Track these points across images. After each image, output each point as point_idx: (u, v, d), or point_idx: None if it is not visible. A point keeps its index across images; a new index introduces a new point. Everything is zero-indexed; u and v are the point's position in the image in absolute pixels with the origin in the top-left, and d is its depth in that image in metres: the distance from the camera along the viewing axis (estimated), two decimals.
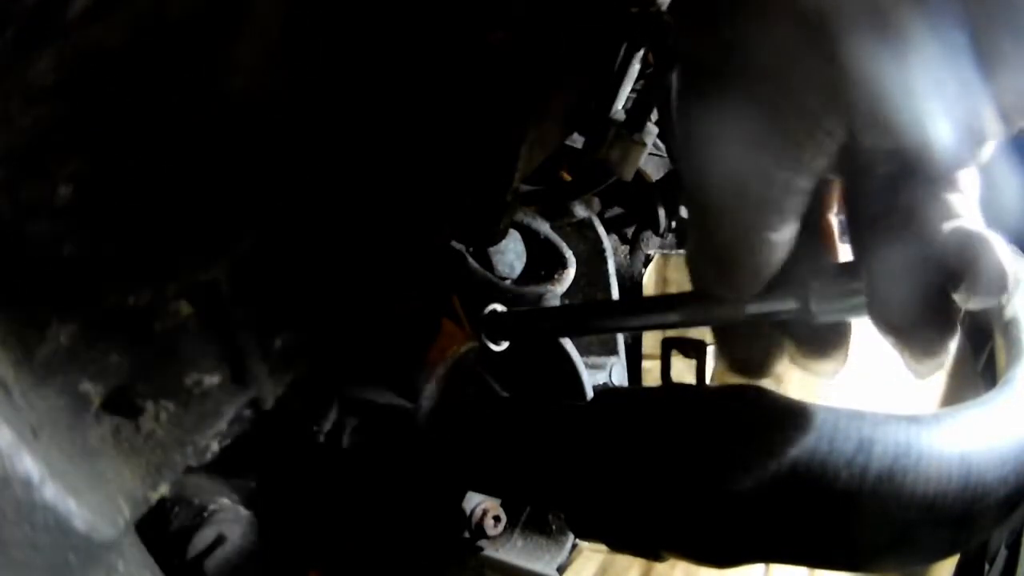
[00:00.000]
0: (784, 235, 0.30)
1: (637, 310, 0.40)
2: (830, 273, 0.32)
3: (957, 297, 0.28)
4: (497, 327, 0.48)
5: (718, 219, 0.31)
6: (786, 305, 0.33)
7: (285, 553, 0.49)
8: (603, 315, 0.42)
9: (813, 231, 0.34)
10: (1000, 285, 0.27)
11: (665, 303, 0.38)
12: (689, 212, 0.35)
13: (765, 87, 0.27)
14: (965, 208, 0.29)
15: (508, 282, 0.67)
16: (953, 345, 0.30)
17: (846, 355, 0.35)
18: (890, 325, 0.30)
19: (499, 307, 0.48)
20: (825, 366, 0.35)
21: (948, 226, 0.29)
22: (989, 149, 0.29)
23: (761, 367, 0.37)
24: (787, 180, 0.29)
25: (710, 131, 0.29)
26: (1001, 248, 0.27)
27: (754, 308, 0.33)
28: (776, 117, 0.27)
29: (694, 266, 0.35)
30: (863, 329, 0.32)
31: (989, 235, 0.28)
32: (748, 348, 0.37)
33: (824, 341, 0.35)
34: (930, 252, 0.29)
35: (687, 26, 0.31)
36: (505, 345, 0.49)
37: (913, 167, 0.29)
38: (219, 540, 0.46)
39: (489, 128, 0.45)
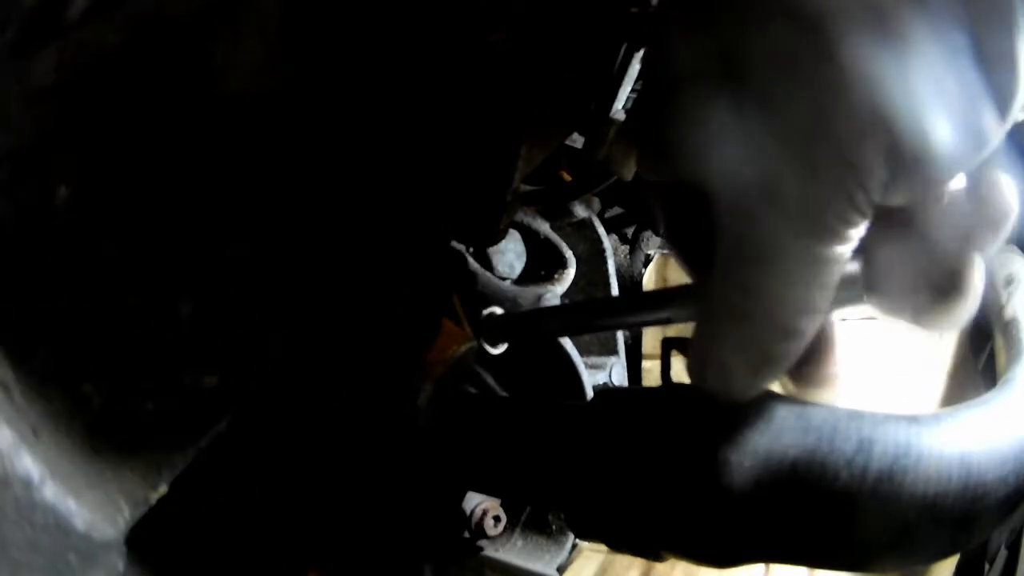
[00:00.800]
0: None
1: (633, 307, 0.40)
2: None
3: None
4: (495, 329, 0.48)
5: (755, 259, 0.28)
6: None
7: (284, 553, 0.49)
8: (600, 313, 0.42)
9: None
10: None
11: (660, 298, 0.38)
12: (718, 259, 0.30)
13: (765, 91, 0.27)
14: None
15: (508, 282, 0.67)
16: (971, 307, 0.29)
17: (835, 371, 0.34)
18: (906, 314, 0.30)
19: (497, 309, 0.49)
20: (814, 386, 0.34)
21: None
22: (989, 151, 0.29)
23: None
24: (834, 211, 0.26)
25: (711, 136, 0.29)
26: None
27: None
28: (778, 122, 0.27)
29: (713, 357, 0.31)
30: (862, 329, 0.32)
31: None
32: None
33: (810, 359, 0.33)
34: (932, 251, 0.29)
35: (682, 27, 0.31)
36: (503, 348, 0.49)
37: (912, 168, 0.29)
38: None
39: (489, 128, 0.45)
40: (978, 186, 0.28)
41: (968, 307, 0.29)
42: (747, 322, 0.29)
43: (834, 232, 0.27)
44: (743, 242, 0.29)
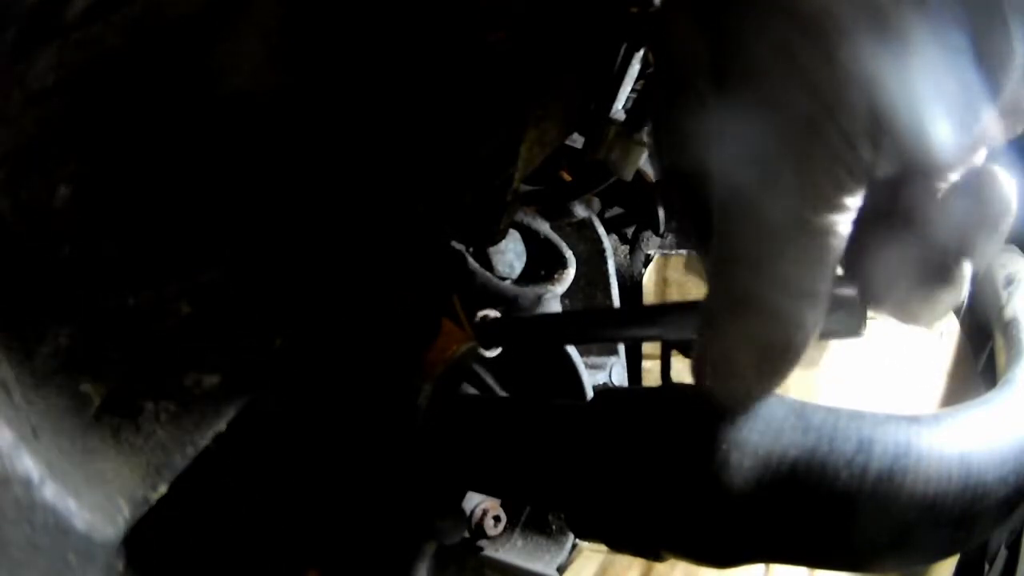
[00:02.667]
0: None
1: (630, 321, 0.40)
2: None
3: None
4: (489, 333, 0.48)
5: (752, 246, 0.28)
6: None
7: (284, 553, 0.49)
8: (597, 325, 0.42)
9: None
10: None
11: (656, 313, 0.38)
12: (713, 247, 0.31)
13: (765, 88, 0.27)
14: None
15: (508, 282, 0.67)
16: (956, 301, 0.30)
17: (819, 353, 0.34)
18: (890, 307, 0.30)
19: (492, 313, 0.49)
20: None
21: None
22: (984, 151, 0.29)
23: None
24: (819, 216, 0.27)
25: (711, 133, 0.29)
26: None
27: None
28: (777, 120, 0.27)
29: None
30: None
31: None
32: None
33: None
34: (931, 252, 0.29)
35: (683, 25, 0.31)
36: (498, 351, 0.49)
37: (912, 168, 0.29)
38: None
39: (489, 128, 0.45)
40: (977, 183, 0.28)
41: (954, 301, 0.29)
42: (747, 311, 0.29)
43: (828, 200, 0.27)
44: (738, 228, 0.29)
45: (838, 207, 0.27)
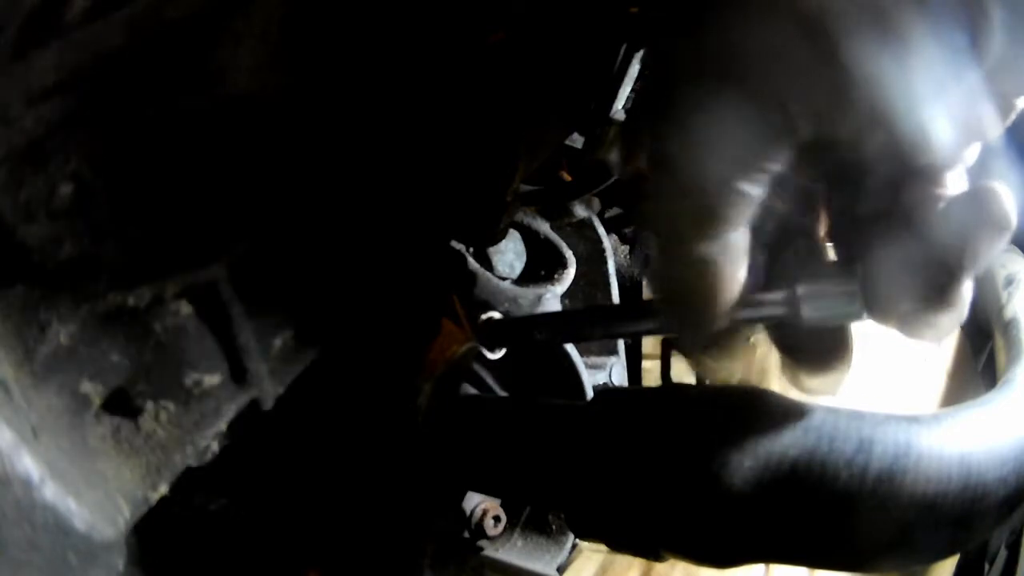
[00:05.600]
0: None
1: (627, 316, 0.40)
2: (821, 275, 0.31)
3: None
4: (494, 334, 0.48)
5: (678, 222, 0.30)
6: (775, 309, 0.31)
7: (284, 553, 0.49)
8: (597, 322, 0.42)
9: (803, 234, 0.34)
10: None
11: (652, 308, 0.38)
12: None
13: (765, 88, 0.27)
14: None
15: (508, 282, 0.67)
16: (959, 319, 0.30)
17: (848, 367, 0.34)
18: (893, 321, 0.30)
19: (495, 314, 0.49)
20: (825, 381, 0.34)
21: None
22: (976, 148, 0.29)
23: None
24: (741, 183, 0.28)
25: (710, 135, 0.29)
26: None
27: (742, 313, 0.31)
28: (773, 116, 0.27)
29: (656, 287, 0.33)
30: (862, 329, 0.32)
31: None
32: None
33: (823, 351, 0.33)
34: (931, 251, 0.29)
35: (682, 26, 0.31)
36: (502, 352, 0.49)
37: (912, 168, 0.29)
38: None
39: (489, 128, 0.45)
40: (977, 197, 0.28)
41: (957, 319, 0.29)
42: (679, 168, 0.29)
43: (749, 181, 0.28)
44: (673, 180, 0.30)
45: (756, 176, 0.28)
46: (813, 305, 0.30)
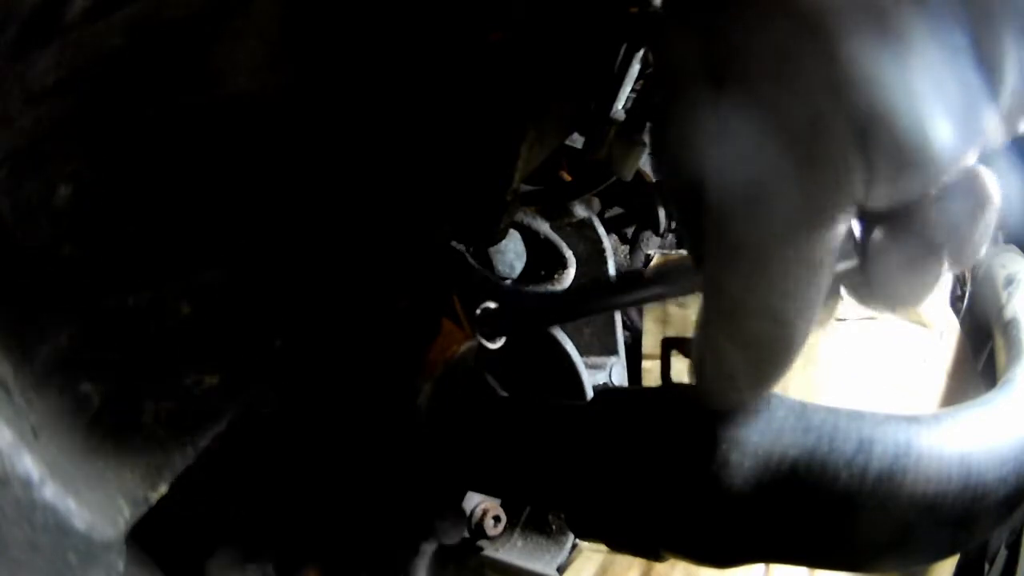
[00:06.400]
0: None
1: (626, 286, 0.40)
2: None
3: None
4: (491, 324, 0.48)
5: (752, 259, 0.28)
6: None
7: (284, 552, 0.49)
8: (593, 295, 0.42)
9: None
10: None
11: (654, 277, 0.38)
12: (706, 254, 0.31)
13: (764, 90, 0.27)
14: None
15: (508, 282, 0.67)
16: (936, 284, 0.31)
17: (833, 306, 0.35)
18: (886, 309, 0.30)
19: (492, 304, 0.49)
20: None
21: None
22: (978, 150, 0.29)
23: None
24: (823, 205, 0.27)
25: (709, 136, 0.29)
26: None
27: None
28: (779, 122, 0.27)
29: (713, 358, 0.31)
30: (862, 329, 0.32)
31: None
32: None
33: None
34: (931, 252, 0.29)
35: (681, 26, 0.31)
36: (502, 341, 0.49)
37: (912, 169, 0.29)
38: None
39: (489, 128, 0.45)
40: (967, 183, 0.29)
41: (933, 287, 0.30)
42: (740, 316, 0.29)
43: (823, 212, 0.27)
44: (735, 238, 0.29)
45: (832, 220, 0.27)
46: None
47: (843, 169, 0.26)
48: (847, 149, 0.26)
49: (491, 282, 0.59)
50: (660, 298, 0.37)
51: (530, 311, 0.48)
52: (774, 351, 0.30)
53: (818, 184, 0.27)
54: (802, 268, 0.28)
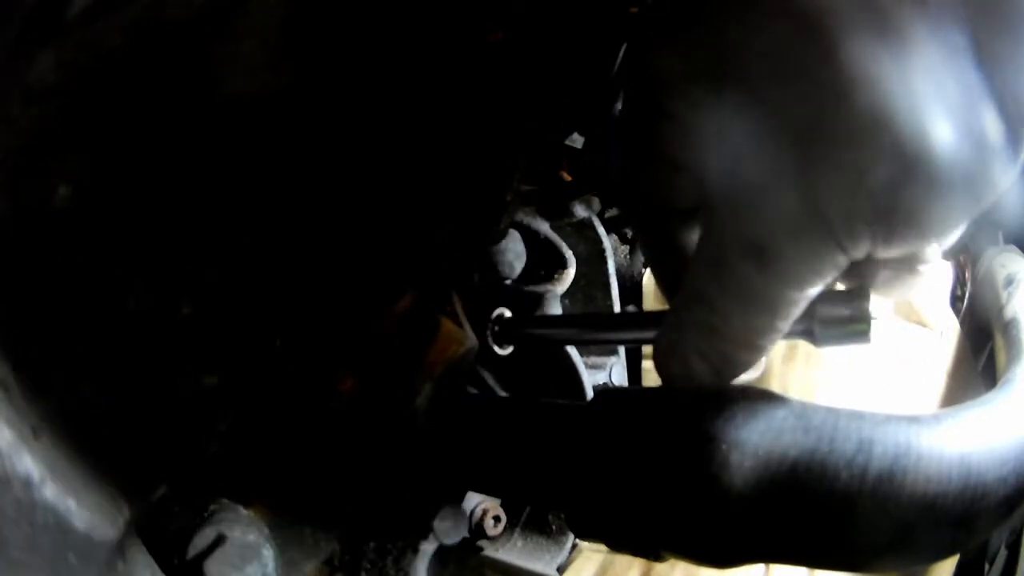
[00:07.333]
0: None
1: (643, 323, 0.41)
2: (834, 299, 0.33)
3: None
4: (503, 332, 0.48)
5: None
6: (793, 334, 0.33)
7: (284, 552, 0.49)
8: (609, 327, 0.43)
9: None
10: None
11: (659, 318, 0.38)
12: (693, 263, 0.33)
13: (763, 88, 0.27)
14: None
15: (508, 282, 0.67)
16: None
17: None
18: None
19: (506, 312, 0.49)
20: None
21: None
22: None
23: None
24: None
25: (707, 139, 0.29)
26: None
27: None
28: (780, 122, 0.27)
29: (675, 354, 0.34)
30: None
31: None
32: None
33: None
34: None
35: (677, 28, 0.30)
36: (510, 350, 0.49)
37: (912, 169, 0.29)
38: (219, 540, 0.46)
39: (489, 128, 0.45)
40: None
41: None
42: (713, 336, 0.32)
43: (809, 281, 0.29)
44: (720, 264, 0.30)
45: (815, 283, 0.29)
46: (826, 328, 0.33)
47: (845, 177, 0.27)
48: (848, 150, 0.26)
49: (496, 285, 0.59)
50: None
51: (545, 330, 0.48)
52: (738, 368, 0.33)
53: (819, 186, 0.27)
54: (796, 308, 0.30)
